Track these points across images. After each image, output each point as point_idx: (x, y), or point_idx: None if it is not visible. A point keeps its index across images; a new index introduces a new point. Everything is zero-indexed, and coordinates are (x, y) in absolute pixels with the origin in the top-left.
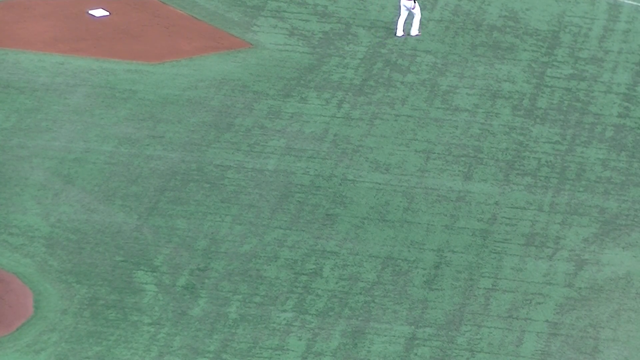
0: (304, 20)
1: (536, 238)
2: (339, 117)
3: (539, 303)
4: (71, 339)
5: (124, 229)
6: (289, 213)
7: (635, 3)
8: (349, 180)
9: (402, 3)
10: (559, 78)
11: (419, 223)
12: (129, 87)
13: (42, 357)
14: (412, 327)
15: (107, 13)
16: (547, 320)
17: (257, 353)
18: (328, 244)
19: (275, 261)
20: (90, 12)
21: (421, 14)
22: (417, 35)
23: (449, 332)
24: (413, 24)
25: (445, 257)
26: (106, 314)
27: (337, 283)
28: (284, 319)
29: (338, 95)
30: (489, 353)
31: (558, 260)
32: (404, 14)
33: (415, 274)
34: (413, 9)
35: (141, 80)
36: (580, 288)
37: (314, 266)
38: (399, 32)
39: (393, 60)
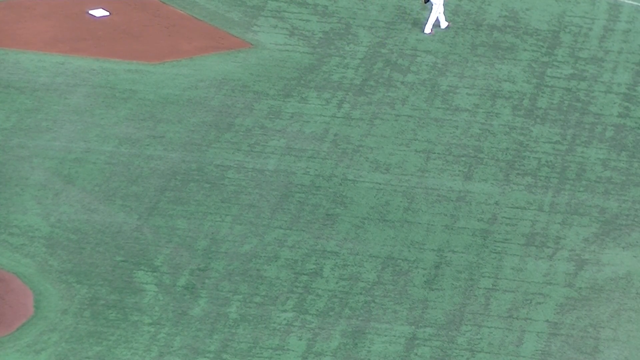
0: (304, 20)
1: (536, 238)
2: (339, 117)
3: (539, 303)
4: (71, 339)
5: (124, 229)
6: (289, 213)
7: (635, 3)
8: (349, 180)
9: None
10: (559, 78)
11: (419, 223)
12: (129, 87)
13: (42, 357)
14: (413, 327)
15: (108, 13)
16: (547, 320)
17: (258, 353)
18: (328, 244)
19: (276, 261)
20: (91, 12)
21: (429, 15)
22: (429, 33)
23: (449, 332)
24: (427, 22)
25: (446, 257)
26: (106, 314)
27: (337, 283)
28: (284, 318)
29: (338, 95)
30: (489, 353)
31: (558, 260)
32: (439, 9)
33: (416, 274)
34: (436, 4)
35: (141, 80)
36: (580, 288)
37: (314, 266)
38: (443, 25)
39: (393, 60)
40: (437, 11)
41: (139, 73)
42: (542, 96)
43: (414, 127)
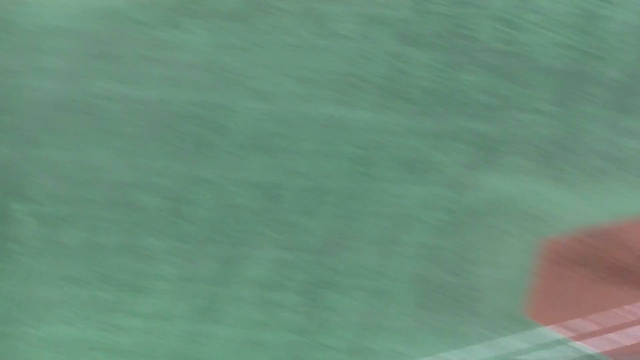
0: None
1: (414, 164)
2: (220, 47)
3: (416, 228)
4: None
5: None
6: (169, 143)
7: None
8: (228, 108)
9: None
10: (441, 4)
11: (297, 151)
12: (5, 16)
13: None
14: (289, 252)
15: None
16: (421, 244)
17: (130, 280)
18: (206, 173)
19: (154, 191)
20: None
21: None
22: None
23: (326, 258)
24: None
25: (323, 183)
26: None
27: (214, 211)
28: (158, 247)
29: (219, 24)
30: (366, 278)
31: (435, 185)
32: None
33: (293, 201)
34: None
35: (20, 10)
36: (457, 212)
37: (191, 195)
38: None
39: None
40: None
41: (16, 4)
42: (421, 22)
43: (292, 54)
